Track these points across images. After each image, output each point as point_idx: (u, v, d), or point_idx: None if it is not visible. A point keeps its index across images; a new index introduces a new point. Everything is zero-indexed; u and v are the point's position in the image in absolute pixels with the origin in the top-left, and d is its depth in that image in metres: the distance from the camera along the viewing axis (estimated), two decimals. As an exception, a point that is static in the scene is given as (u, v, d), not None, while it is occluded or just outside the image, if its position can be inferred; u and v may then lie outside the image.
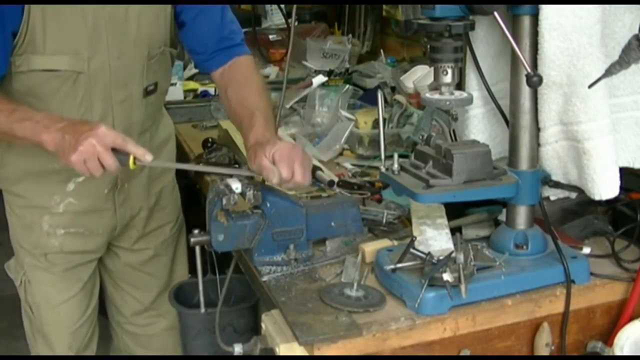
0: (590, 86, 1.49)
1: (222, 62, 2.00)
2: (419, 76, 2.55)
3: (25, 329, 2.21)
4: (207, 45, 2.00)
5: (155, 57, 1.95)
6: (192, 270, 2.12)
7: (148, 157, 1.60)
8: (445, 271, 1.43)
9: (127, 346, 2.32)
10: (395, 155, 1.59)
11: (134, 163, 1.60)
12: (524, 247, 1.58)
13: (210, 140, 2.44)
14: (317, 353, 1.38)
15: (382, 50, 3.56)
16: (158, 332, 2.30)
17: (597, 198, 1.55)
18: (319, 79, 2.94)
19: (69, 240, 2.03)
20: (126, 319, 2.29)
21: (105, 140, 1.58)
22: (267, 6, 3.90)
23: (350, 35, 3.72)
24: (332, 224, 1.67)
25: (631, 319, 1.53)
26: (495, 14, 1.44)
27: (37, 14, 1.74)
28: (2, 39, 1.73)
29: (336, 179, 2.13)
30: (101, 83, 1.88)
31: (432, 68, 1.53)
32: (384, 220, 1.84)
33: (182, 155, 2.66)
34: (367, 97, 2.88)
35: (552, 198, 1.70)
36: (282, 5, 3.80)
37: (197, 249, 1.62)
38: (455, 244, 1.52)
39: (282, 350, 1.42)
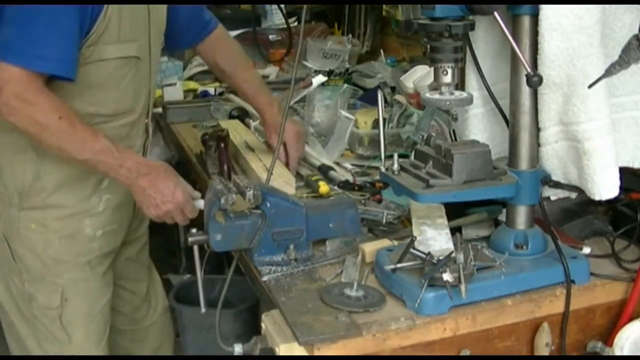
0: (590, 86, 1.49)
1: (201, 36, 2.19)
2: (419, 76, 2.55)
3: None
4: (179, 19, 2.10)
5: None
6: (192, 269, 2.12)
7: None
8: (445, 271, 1.43)
9: (123, 348, 2.29)
10: (395, 155, 1.59)
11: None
12: (524, 247, 1.58)
13: (206, 135, 2.42)
14: (317, 353, 1.38)
15: (382, 50, 3.56)
16: (155, 319, 2.33)
17: (597, 198, 1.55)
18: (319, 79, 2.93)
19: (105, 240, 2.01)
20: (127, 317, 2.27)
21: (185, 197, 1.76)
22: (267, 6, 3.90)
23: (350, 35, 3.71)
24: (330, 225, 1.67)
25: (631, 319, 1.53)
26: (495, 14, 1.43)
27: (115, 5, 1.78)
28: (75, 43, 1.73)
29: (351, 179, 2.13)
30: (147, 70, 1.95)
31: (432, 68, 1.53)
32: (384, 220, 1.83)
33: (182, 155, 2.66)
34: (367, 97, 2.88)
35: (552, 198, 1.70)
36: (282, 5, 3.80)
37: (196, 248, 1.62)
38: (455, 244, 1.51)
39: (282, 350, 1.42)
